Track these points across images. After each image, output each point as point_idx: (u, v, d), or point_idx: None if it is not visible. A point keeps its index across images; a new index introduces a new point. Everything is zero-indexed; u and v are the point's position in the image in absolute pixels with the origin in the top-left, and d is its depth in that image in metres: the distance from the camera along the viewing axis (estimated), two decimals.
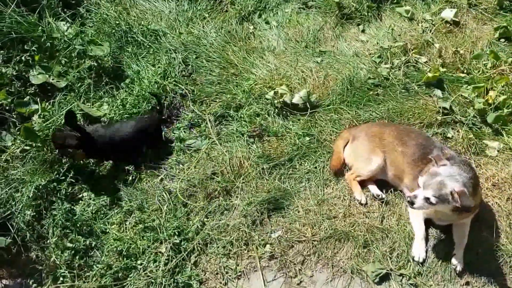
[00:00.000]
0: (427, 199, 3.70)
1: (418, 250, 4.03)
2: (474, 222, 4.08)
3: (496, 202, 4.28)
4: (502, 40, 5.40)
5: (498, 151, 4.59)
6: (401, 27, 5.57)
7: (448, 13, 5.60)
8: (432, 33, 5.47)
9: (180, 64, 5.11)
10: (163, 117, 4.78)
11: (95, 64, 4.83)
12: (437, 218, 4.09)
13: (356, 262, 4.02)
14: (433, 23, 5.56)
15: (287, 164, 4.53)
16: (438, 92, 4.97)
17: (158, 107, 4.65)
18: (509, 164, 4.49)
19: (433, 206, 3.75)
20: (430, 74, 4.99)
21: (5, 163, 4.30)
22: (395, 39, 5.42)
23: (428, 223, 4.15)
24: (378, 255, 4.04)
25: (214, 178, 4.41)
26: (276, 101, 4.81)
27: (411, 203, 3.77)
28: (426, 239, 4.09)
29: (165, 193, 4.30)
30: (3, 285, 3.96)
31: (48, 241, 4.03)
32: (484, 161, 4.53)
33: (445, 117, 4.76)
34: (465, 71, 5.17)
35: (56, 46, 4.87)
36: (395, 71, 5.17)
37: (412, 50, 5.29)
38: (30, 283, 3.96)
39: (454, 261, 3.97)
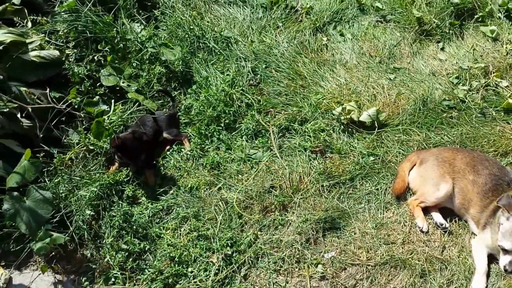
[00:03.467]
0: None
1: (478, 285, 3.87)
2: None
3: None
4: None
5: None
6: (484, 48, 5.39)
7: None
8: None
9: (249, 73, 5.19)
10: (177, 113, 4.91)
11: (164, 71, 5.00)
12: None
13: None
14: None
15: (348, 183, 4.50)
16: None
17: (172, 103, 4.85)
18: None
19: None
20: (511, 100, 4.78)
21: (70, 162, 4.52)
22: (476, 60, 5.25)
23: (491, 258, 3.98)
24: (434, 287, 3.92)
25: (271, 191, 4.44)
26: (342, 118, 4.78)
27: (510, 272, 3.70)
28: (488, 275, 3.93)
29: (222, 203, 4.38)
30: (56, 280, 4.16)
31: (104, 241, 4.19)
32: None
33: None
34: None
35: (129, 48, 5.07)
36: (472, 93, 5.01)
37: (493, 72, 5.09)
38: (83, 280, 4.12)
39: None
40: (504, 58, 5.25)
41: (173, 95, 4.96)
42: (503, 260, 3.68)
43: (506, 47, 5.34)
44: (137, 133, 4.42)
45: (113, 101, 4.70)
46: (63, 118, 4.67)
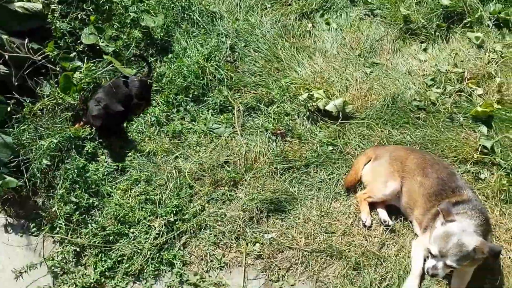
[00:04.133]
0: (449, 266, 3.56)
1: (410, 285, 3.86)
2: (477, 271, 3.84)
3: (510, 257, 4.01)
4: None
5: None
6: (467, 53, 5.30)
7: None
8: (497, 66, 5.15)
9: (227, 50, 5.19)
10: (151, 81, 4.91)
11: (141, 36, 5.04)
12: None
13: (341, 282, 3.93)
14: (503, 55, 5.22)
15: (302, 169, 4.50)
16: (483, 129, 4.69)
17: (147, 70, 4.88)
18: None
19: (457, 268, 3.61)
20: (479, 109, 4.72)
21: (40, 112, 4.59)
22: (456, 65, 5.17)
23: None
24: (367, 281, 3.92)
25: (225, 167, 4.47)
26: (309, 105, 4.77)
27: (435, 275, 3.64)
28: (421, 277, 3.91)
29: (175, 171, 4.42)
30: (7, 223, 4.27)
31: (56, 192, 4.28)
32: None
33: (483, 156, 4.50)
34: None
35: (114, 10, 5.10)
36: (445, 97, 4.95)
37: (469, 79, 5.02)
38: (31, 226, 4.22)
39: None
40: (485, 66, 5.16)
41: (149, 62, 4.99)
42: (428, 263, 3.66)
43: (488, 55, 5.24)
44: (109, 108, 4.49)
45: (86, 58, 4.76)
46: (43, 70, 4.72)
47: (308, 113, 4.79)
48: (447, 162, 4.38)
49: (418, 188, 4.08)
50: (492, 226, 4.13)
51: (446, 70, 5.10)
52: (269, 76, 5.05)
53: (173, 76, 4.93)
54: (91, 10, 5.01)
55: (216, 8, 5.47)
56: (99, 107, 4.47)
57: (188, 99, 4.86)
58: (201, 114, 4.81)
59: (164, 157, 4.54)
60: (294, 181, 4.44)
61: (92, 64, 4.77)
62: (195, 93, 4.88)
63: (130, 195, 4.33)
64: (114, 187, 4.36)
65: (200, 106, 4.87)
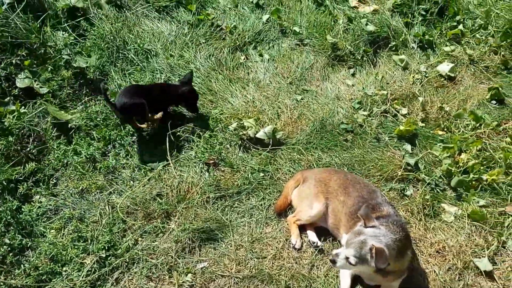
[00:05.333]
0: (347, 259, 3.58)
1: None
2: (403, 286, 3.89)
3: (435, 271, 4.06)
4: (493, 102, 5.14)
5: (455, 217, 4.36)
6: (393, 76, 5.44)
7: (445, 67, 5.41)
8: (422, 86, 5.30)
9: None
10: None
11: (72, 76, 5.10)
12: (365, 276, 3.94)
13: None
14: (426, 75, 5.38)
15: (235, 197, 4.54)
16: (408, 147, 4.80)
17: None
18: (461, 233, 4.25)
19: (353, 267, 3.63)
20: (402, 128, 4.83)
21: None
22: (382, 87, 5.29)
23: (358, 280, 4.00)
24: None
25: (157, 199, 4.49)
26: (241, 133, 4.84)
27: (333, 262, 3.66)
28: None
29: (108, 207, 4.43)
30: None
31: None
32: (437, 225, 4.31)
33: (407, 173, 4.59)
34: (445, 130, 4.96)
35: (48, 54, 5.17)
36: (372, 119, 5.05)
37: (394, 100, 5.15)
38: None
39: None
40: (410, 87, 5.30)
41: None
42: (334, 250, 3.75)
43: (413, 76, 5.39)
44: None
45: (17, 101, 4.82)
46: None
47: (240, 141, 4.85)
48: (368, 181, 4.44)
49: (342, 207, 4.14)
50: (417, 241, 4.21)
51: (372, 93, 5.22)
52: (202, 108, 5.12)
53: (108, 113, 4.98)
54: (25, 55, 5.07)
55: (150, 46, 5.55)
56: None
57: (123, 134, 4.90)
58: (135, 149, 4.85)
59: (98, 194, 4.55)
60: (226, 209, 4.47)
61: (23, 107, 4.82)
62: (131, 129, 4.92)
63: (63, 234, 4.31)
64: (47, 226, 4.35)
65: (135, 140, 4.91)
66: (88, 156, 4.74)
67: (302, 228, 4.32)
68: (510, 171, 4.54)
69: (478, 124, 4.88)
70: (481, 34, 5.71)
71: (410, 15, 5.87)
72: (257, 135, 4.82)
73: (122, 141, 4.86)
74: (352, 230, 3.78)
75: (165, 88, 4.95)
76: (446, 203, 4.45)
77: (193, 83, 5.03)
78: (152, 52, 5.53)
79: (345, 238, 3.81)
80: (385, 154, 4.77)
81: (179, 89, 4.87)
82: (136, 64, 5.43)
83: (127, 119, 4.79)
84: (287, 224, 4.35)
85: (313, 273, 4.10)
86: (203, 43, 5.69)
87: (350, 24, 5.79)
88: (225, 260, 4.18)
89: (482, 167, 4.58)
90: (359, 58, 5.57)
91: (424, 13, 5.88)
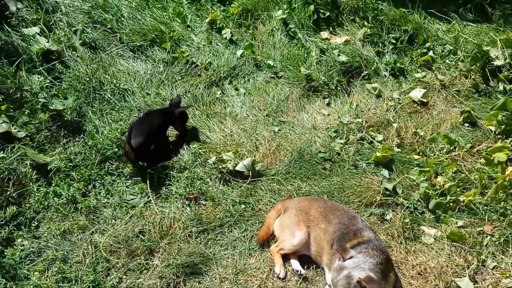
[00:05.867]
0: None
1: None
2: None
3: None
4: (466, 124, 5.31)
5: (435, 239, 4.46)
6: (367, 104, 5.60)
7: (417, 93, 5.59)
8: (396, 112, 5.46)
9: None
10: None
11: (49, 119, 5.17)
12: None
13: None
14: (400, 102, 5.55)
15: (217, 230, 4.59)
16: (385, 173, 4.92)
17: None
18: (441, 254, 4.34)
19: None
20: (378, 154, 4.96)
21: None
22: (357, 115, 5.45)
23: None
24: None
25: (140, 236, 4.52)
26: (220, 167, 4.93)
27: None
28: None
29: (91, 247, 4.45)
30: None
31: None
32: (417, 247, 4.40)
33: (386, 198, 4.71)
34: (420, 154, 5.10)
35: (24, 98, 5.24)
36: (348, 147, 5.18)
37: (369, 127, 5.30)
38: None
39: None
40: (384, 114, 5.46)
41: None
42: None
43: (387, 103, 5.56)
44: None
45: None
46: None
47: (220, 175, 4.94)
48: (347, 207, 4.54)
49: (323, 235, 4.23)
50: (399, 264, 4.30)
51: (348, 121, 5.37)
52: (181, 144, 5.21)
53: (88, 153, 5.04)
54: (1, 100, 5.13)
55: (127, 85, 5.66)
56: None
57: (103, 173, 4.95)
58: (116, 187, 4.90)
59: (80, 234, 4.57)
60: (209, 242, 4.52)
61: (3, 153, 4.86)
62: (111, 167, 4.98)
63: (47, 276, 4.31)
64: (31, 269, 4.34)
65: (115, 178, 4.96)
66: (68, 197, 4.77)
67: (286, 257, 4.38)
68: (486, 191, 4.67)
69: (452, 147, 5.03)
70: (451, 59, 5.90)
71: (380, 44, 6.07)
72: (237, 168, 4.91)
73: (103, 181, 4.91)
74: (333, 267, 3.85)
75: (165, 111, 5.14)
76: (425, 225, 4.56)
77: None
78: (129, 91, 5.64)
79: (329, 278, 3.88)
80: (364, 181, 4.88)
81: (175, 110, 5.12)
82: (113, 103, 5.52)
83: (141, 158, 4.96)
84: (271, 254, 4.42)
85: None
86: (179, 80, 5.81)
87: (322, 55, 5.97)
88: None
89: (458, 189, 4.71)
90: (333, 88, 5.73)
91: (394, 41, 6.08)
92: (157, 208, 4.69)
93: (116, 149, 5.05)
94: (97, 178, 4.92)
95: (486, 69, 5.68)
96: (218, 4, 6.57)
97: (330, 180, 4.91)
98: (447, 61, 5.91)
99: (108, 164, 5.00)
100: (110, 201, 4.78)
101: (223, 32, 6.25)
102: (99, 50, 5.99)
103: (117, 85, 5.61)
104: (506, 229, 4.44)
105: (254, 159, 4.97)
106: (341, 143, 5.19)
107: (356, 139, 5.22)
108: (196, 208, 4.73)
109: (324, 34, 6.25)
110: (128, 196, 4.81)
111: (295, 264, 4.34)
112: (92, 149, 5.06)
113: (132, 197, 4.81)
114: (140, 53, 6.03)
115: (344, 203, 4.69)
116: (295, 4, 6.30)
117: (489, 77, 5.66)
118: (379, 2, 6.28)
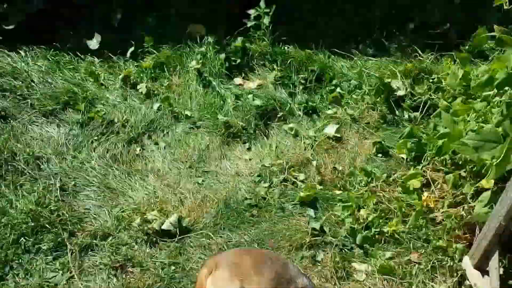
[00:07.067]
0: None
1: None
2: None
3: None
4: (380, 155, 5.08)
5: (366, 274, 4.13)
6: (286, 144, 5.26)
7: (331, 129, 5.31)
8: (313, 150, 5.15)
9: (57, 191, 4.71)
10: None
11: None
12: None
13: None
14: (316, 139, 5.25)
15: None
16: (311, 212, 4.56)
17: None
18: None
19: None
20: (302, 194, 4.61)
21: None
22: (278, 157, 5.08)
23: None
24: None
25: None
26: (146, 228, 4.38)
27: None
28: None
29: None
30: None
31: None
32: (351, 286, 4.05)
33: (315, 238, 4.34)
34: (342, 188, 4.80)
35: None
36: (273, 190, 4.79)
37: (290, 168, 4.95)
38: None
39: None
40: (303, 153, 5.13)
41: None
42: None
43: (304, 142, 5.25)
44: None
45: None
46: None
47: (146, 237, 4.38)
48: (278, 254, 4.14)
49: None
50: None
51: (269, 164, 4.99)
52: (102, 208, 4.62)
53: (1, 232, 4.33)
54: None
55: (41, 153, 5.00)
56: None
57: (20, 252, 4.26)
58: (35, 265, 4.21)
59: None
60: None
61: None
62: (28, 243, 4.30)
63: None
64: None
65: (34, 256, 4.27)
66: None
67: None
68: (406, 219, 4.41)
69: (369, 179, 4.76)
70: (357, 93, 5.69)
71: (291, 85, 5.78)
72: (163, 227, 4.38)
73: (20, 260, 4.20)
74: None
75: None
76: (356, 261, 4.22)
77: (90, 184, 4.56)
78: (44, 159, 4.97)
79: None
80: (291, 223, 4.50)
81: None
82: (28, 173, 4.85)
83: None
84: None
85: None
86: (95, 140, 5.23)
87: (238, 101, 5.59)
88: None
89: (381, 220, 4.42)
90: (252, 132, 5.36)
91: (303, 81, 5.82)
92: (81, 284, 4.06)
93: (32, 224, 4.37)
94: (13, 258, 4.22)
95: (390, 100, 5.49)
96: (131, 59, 6.08)
97: (259, 227, 4.48)
98: (354, 95, 5.68)
99: (24, 240, 4.31)
100: (30, 282, 4.08)
101: (138, 87, 5.75)
102: (9, 119, 5.30)
103: (31, 153, 4.93)
104: (432, 256, 4.19)
105: (180, 215, 4.46)
106: (265, 187, 4.79)
107: (280, 181, 4.84)
108: (123, 277, 4.13)
109: (238, 80, 5.91)
110: (49, 274, 4.13)
111: None
112: (7, 227, 4.36)
113: (53, 274, 4.13)
114: (53, 117, 5.37)
115: (275, 249, 4.28)
116: (208, 53, 5.93)
117: (394, 107, 5.49)
118: (285, 45, 6.03)
